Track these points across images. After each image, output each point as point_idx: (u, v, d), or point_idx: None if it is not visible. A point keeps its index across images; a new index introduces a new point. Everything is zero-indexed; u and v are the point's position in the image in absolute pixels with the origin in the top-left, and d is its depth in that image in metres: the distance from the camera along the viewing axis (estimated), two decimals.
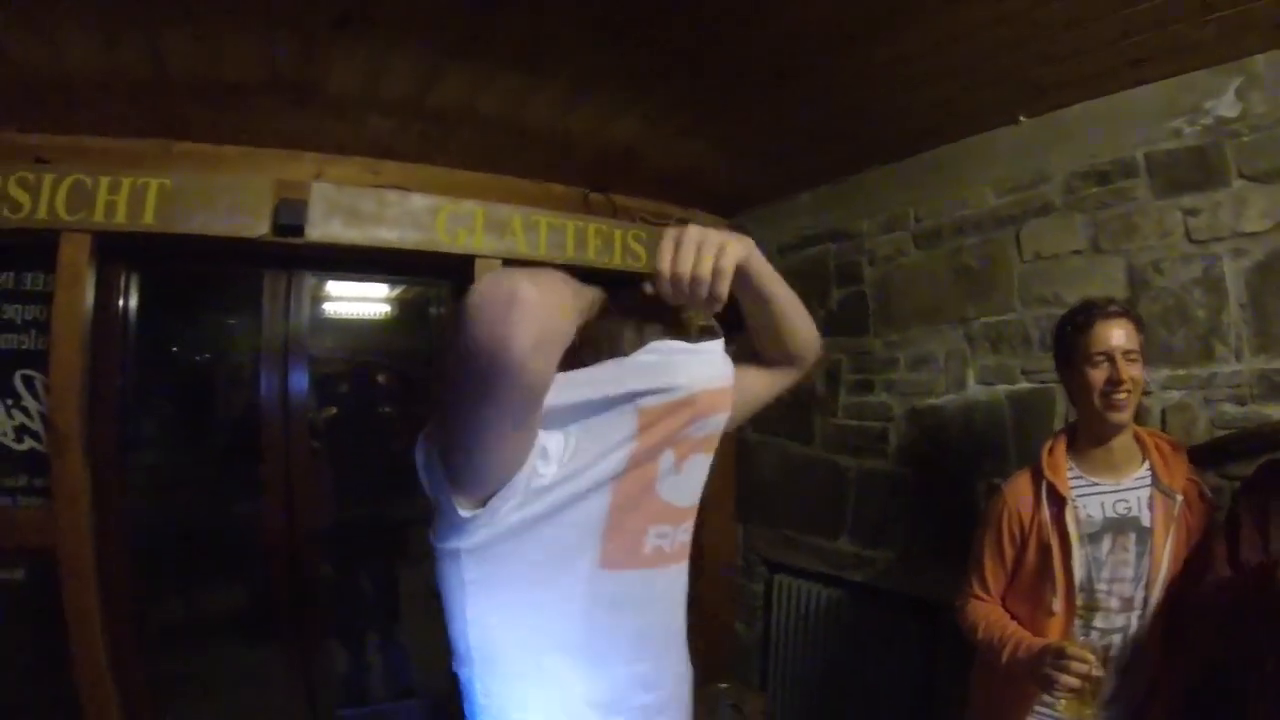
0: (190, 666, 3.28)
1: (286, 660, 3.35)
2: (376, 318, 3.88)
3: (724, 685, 3.59)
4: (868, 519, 3.47)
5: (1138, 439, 2.05)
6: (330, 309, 3.53)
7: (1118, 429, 1.98)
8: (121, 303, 3.06)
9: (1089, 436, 2.05)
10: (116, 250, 2.92)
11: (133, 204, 2.78)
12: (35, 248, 2.78)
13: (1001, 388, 2.95)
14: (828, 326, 3.65)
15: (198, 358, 3.67)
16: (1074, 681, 1.66)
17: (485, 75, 2.61)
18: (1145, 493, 1.96)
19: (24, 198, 2.68)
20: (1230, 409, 2.33)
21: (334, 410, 3.72)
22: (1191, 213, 2.42)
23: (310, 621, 3.36)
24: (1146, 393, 2.46)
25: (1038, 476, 2.07)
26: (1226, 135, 2.33)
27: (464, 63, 2.52)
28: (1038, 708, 1.95)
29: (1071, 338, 2.03)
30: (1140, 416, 2.44)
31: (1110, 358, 1.93)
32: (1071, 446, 2.09)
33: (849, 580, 3.53)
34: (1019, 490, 2.10)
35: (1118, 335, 1.95)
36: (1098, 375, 1.95)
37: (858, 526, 3.51)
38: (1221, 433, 2.33)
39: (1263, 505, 1.71)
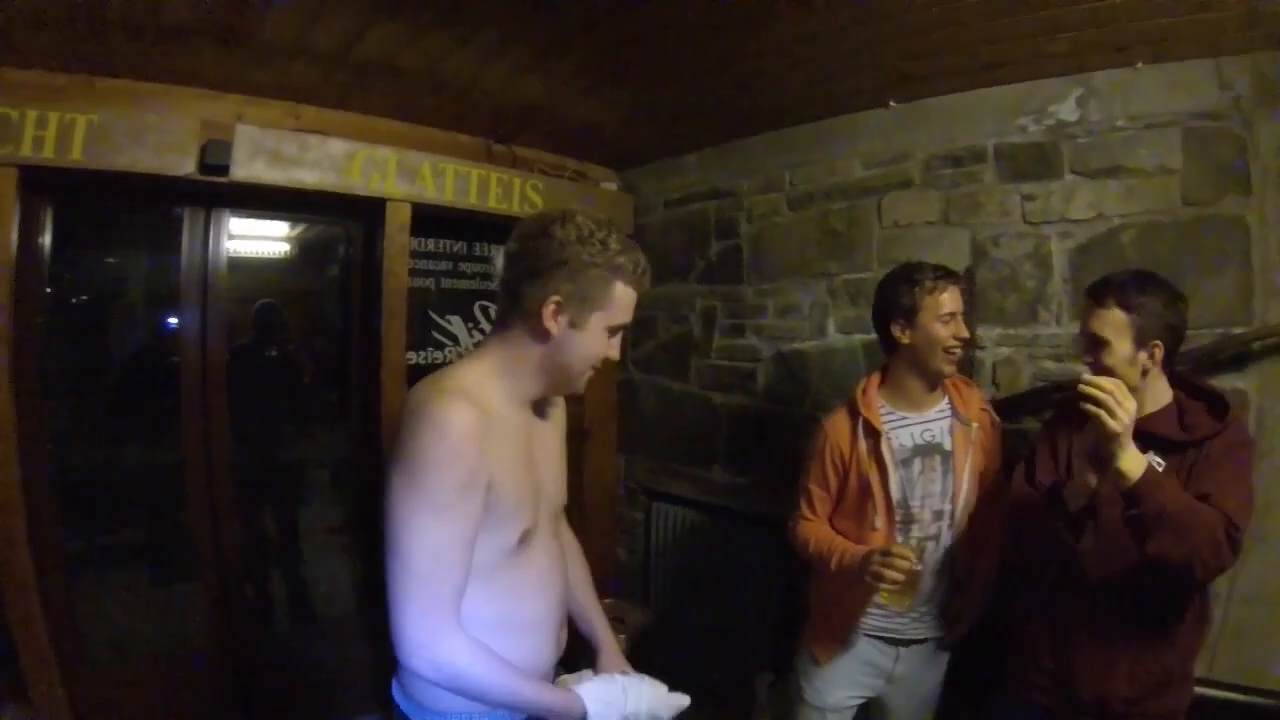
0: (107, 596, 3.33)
1: (203, 592, 3.43)
2: (279, 256, 3.86)
3: (607, 600, 3.84)
4: (737, 450, 3.85)
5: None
6: (235, 248, 3.51)
7: (946, 374, 2.33)
8: (41, 240, 3.00)
9: (911, 376, 2.34)
10: (37, 187, 2.85)
11: (61, 139, 2.72)
12: None
13: (858, 337, 3.35)
14: (707, 275, 4.01)
15: (113, 296, 3.56)
16: (898, 575, 1.98)
17: (410, 32, 2.70)
18: (946, 422, 2.34)
19: None
20: (1050, 365, 2.82)
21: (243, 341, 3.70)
22: (1028, 198, 2.87)
23: (226, 555, 3.46)
24: (980, 348, 2.95)
25: (854, 413, 2.37)
26: (1064, 136, 2.78)
27: (392, 19, 2.60)
28: (869, 609, 2.30)
29: (915, 296, 2.27)
30: (973, 368, 2.93)
31: (955, 317, 2.27)
32: (886, 385, 2.43)
33: (721, 505, 3.91)
34: (838, 425, 2.39)
35: (957, 299, 2.28)
36: (945, 332, 2.24)
37: (728, 457, 3.89)
38: (1041, 384, 2.82)
39: (1055, 436, 2.13)
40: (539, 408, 1.72)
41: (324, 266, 4.04)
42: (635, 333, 4.42)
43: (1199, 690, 1.99)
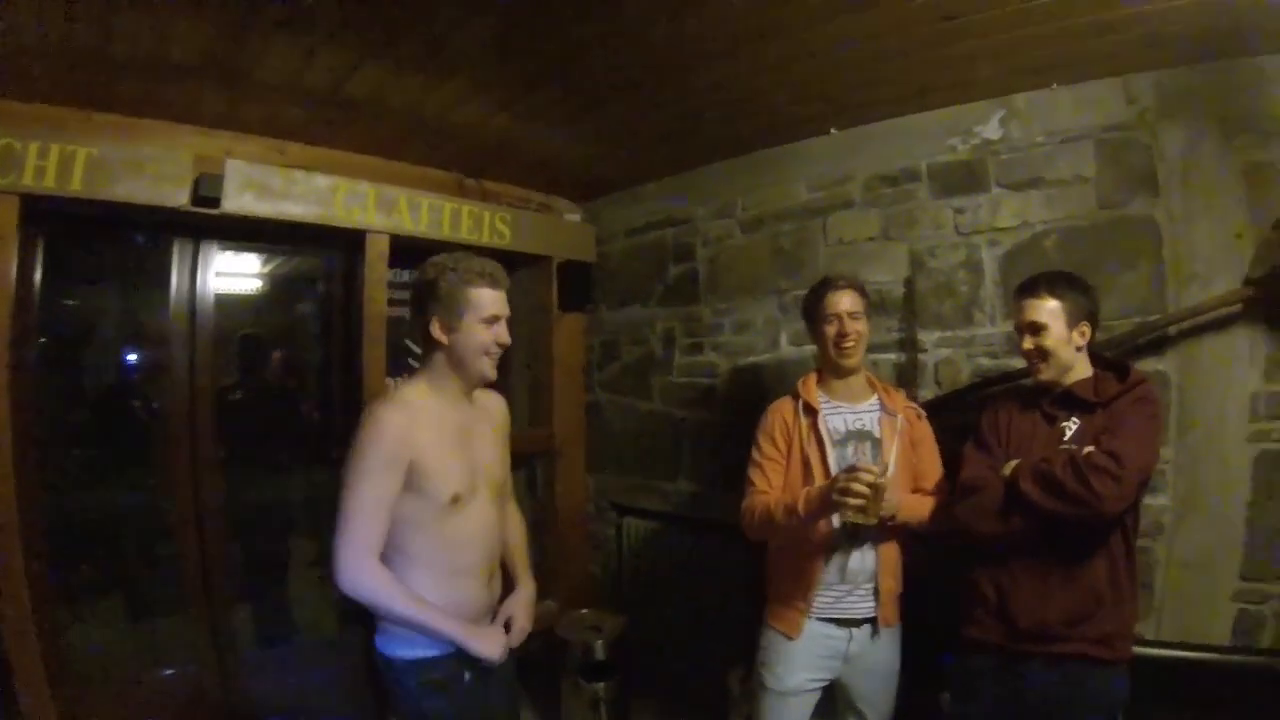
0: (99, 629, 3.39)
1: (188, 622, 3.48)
2: (259, 292, 3.96)
3: (584, 611, 3.97)
4: (700, 462, 4.03)
5: (870, 381, 2.66)
6: (219, 284, 3.61)
7: (848, 369, 2.58)
8: (34, 275, 3.08)
9: (830, 373, 2.63)
10: (31, 218, 2.92)
11: (62, 169, 2.83)
12: None
13: (808, 348, 3.56)
14: (666, 297, 4.23)
15: (101, 329, 3.61)
16: (863, 488, 2.14)
17: (395, 73, 2.92)
18: (875, 414, 2.58)
19: None
20: (985, 361, 3.08)
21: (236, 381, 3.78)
22: (959, 211, 3.15)
23: (214, 590, 3.52)
24: (922, 351, 3.18)
25: (795, 398, 2.63)
26: (989, 153, 3.07)
27: (379, 61, 2.81)
28: (820, 590, 2.49)
29: (813, 304, 2.61)
30: (914, 369, 3.16)
31: (839, 318, 2.55)
32: (821, 382, 2.67)
33: (687, 516, 4.08)
34: (782, 407, 2.66)
35: (845, 301, 2.55)
36: (830, 330, 2.55)
37: (693, 469, 4.07)
38: (979, 380, 3.06)
39: (997, 417, 2.40)
40: (478, 408, 2.24)
41: (302, 300, 4.16)
42: (600, 357, 4.62)
43: (1146, 650, 2.21)
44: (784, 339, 3.71)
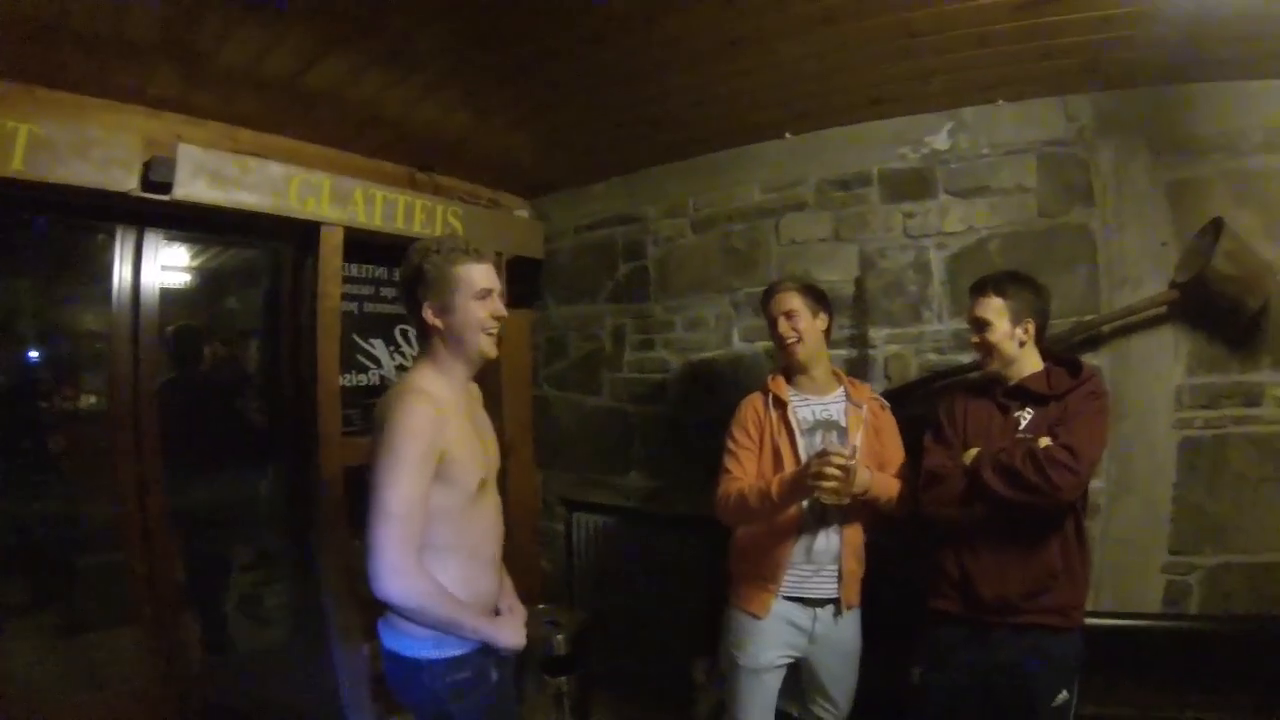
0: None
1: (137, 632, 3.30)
2: (201, 285, 3.88)
3: (542, 606, 3.99)
4: (652, 455, 4.13)
5: (835, 375, 2.80)
6: (163, 278, 3.44)
7: (796, 366, 2.73)
8: None
9: (790, 369, 2.77)
10: None
11: (1, 147, 2.63)
12: None
13: (760, 344, 3.72)
14: (615, 294, 4.31)
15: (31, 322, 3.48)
16: (835, 471, 2.27)
17: (360, 66, 2.90)
18: (841, 405, 2.73)
19: None
20: (933, 357, 3.30)
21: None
22: (909, 215, 3.36)
23: (160, 593, 3.34)
24: (872, 347, 3.37)
25: (765, 392, 2.76)
26: (938, 162, 3.29)
27: (344, 52, 2.79)
28: (787, 571, 2.63)
29: (764, 306, 2.80)
30: (865, 364, 3.35)
31: (783, 316, 2.70)
32: (789, 378, 2.80)
33: (639, 509, 4.17)
34: (754, 400, 2.78)
35: (784, 302, 2.71)
36: (774, 330, 2.73)
37: (644, 463, 4.16)
38: (926, 375, 3.27)
39: (953, 408, 2.57)
40: (473, 393, 2.22)
41: (248, 293, 4.07)
42: (546, 353, 4.66)
43: (1088, 620, 2.38)
44: (736, 335, 3.84)
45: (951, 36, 2.65)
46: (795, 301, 2.69)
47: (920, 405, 3.18)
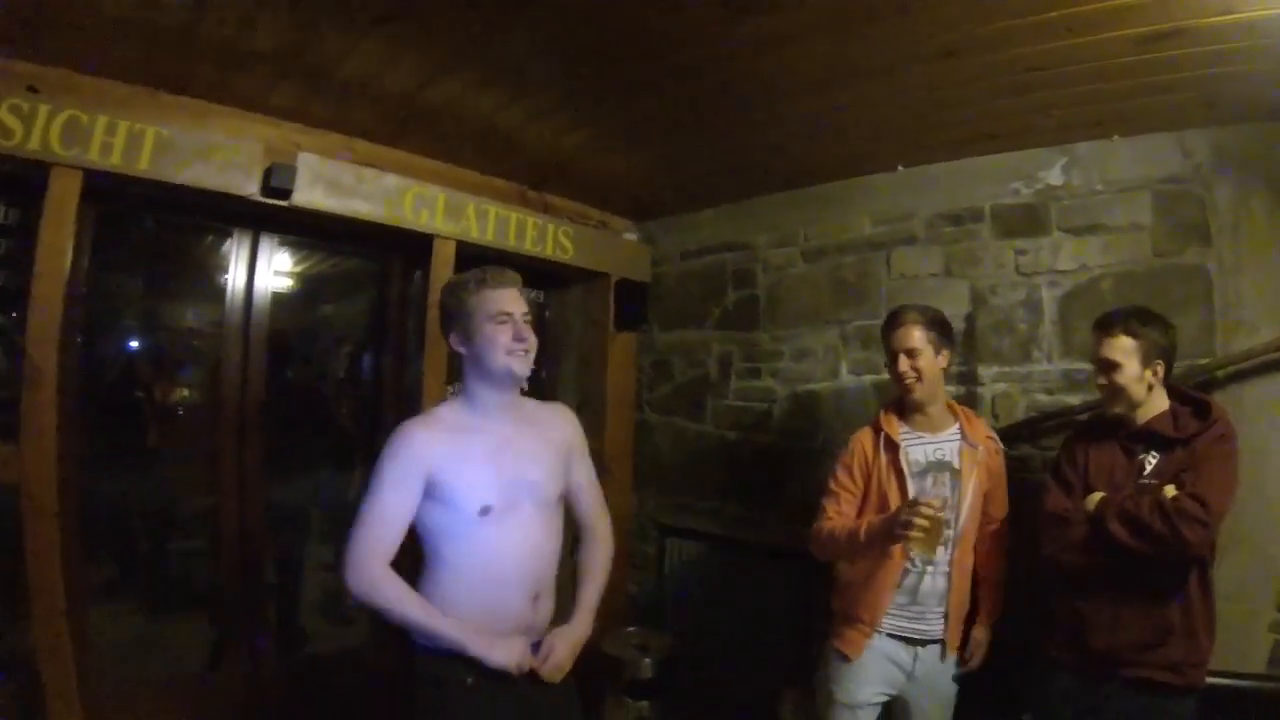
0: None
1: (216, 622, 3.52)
2: (310, 291, 4.04)
3: (631, 629, 3.99)
4: (751, 485, 4.14)
5: (950, 408, 2.71)
6: (276, 282, 3.66)
7: (912, 403, 2.66)
8: (83, 259, 3.00)
9: (905, 405, 2.69)
10: (88, 197, 2.80)
11: (129, 148, 2.75)
12: (8, 181, 2.73)
13: (868, 377, 3.72)
14: (723, 321, 4.37)
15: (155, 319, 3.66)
16: (924, 522, 2.20)
17: (480, 82, 2.99)
18: (956, 444, 2.63)
19: (16, 126, 2.56)
20: (1042, 397, 3.22)
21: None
22: (1021, 252, 3.30)
23: (248, 591, 3.52)
24: (980, 385, 3.33)
25: (877, 430, 2.69)
26: (1051, 198, 3.23)
27: (458, 73, 2.90)
28: (890, 610, 2.59)
29: (883, 339, 2.69)
30: (973, 402, 3.30)
31: (904, 354, 2.60)
32: (902, 415, 2.74)
33: (735, 538, 4.17)
34: (864, 439, 2.71)
35: (903, 339, 2.61)
36: (895, 367, 2.63)
37: (743, 491, 4.18)
38: (1034, 415, 3.20)
39: (1074, 453, 2.49)
40: (528, 420, 2.24)
41: (352, 300, 4.25)
42: (651, 377, 4.75)
43: None
44: (844, 368, 3.83)
45: (1070, 71, 2.61)
46: (918, 338, 2.60)
47: (1026, 445, 3.16)
